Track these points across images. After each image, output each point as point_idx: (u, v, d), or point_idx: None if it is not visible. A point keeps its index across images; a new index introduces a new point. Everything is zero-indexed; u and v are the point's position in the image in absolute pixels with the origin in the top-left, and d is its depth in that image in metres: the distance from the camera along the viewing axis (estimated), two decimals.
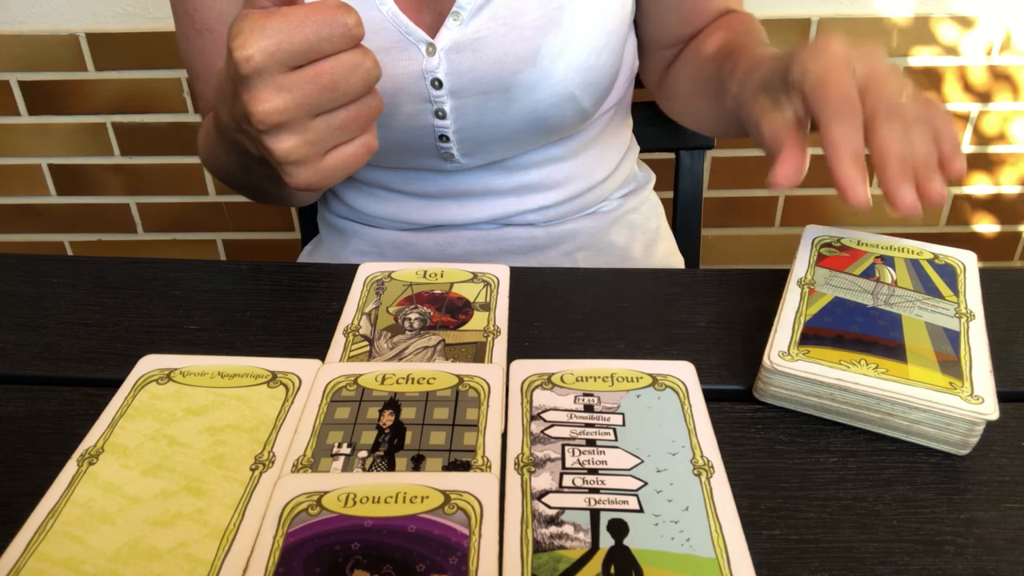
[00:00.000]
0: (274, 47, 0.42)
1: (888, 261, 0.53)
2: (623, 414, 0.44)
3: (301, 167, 0.45)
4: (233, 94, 0.45)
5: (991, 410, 0.42)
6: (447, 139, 0.65)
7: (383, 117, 0.63)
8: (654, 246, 0.81)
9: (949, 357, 0.46)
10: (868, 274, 0.52)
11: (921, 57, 1.40)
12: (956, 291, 0.51)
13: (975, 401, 0.43)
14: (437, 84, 0.62)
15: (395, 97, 0.63)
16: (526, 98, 0.63)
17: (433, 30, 0.62)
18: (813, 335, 0.47)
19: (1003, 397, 0.46)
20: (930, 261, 0.54)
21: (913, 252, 0.54)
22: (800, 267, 0.53)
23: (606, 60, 0.66)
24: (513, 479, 0.40)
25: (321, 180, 0.46)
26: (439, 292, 0.55)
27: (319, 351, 0.50)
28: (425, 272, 0.57)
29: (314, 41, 0.42)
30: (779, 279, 0.53)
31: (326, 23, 0.42)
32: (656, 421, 0.44)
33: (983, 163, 1.51)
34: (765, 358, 0.46)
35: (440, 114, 0.63)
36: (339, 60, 0.43)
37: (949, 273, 0.53)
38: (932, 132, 0.46)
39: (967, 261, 0.54)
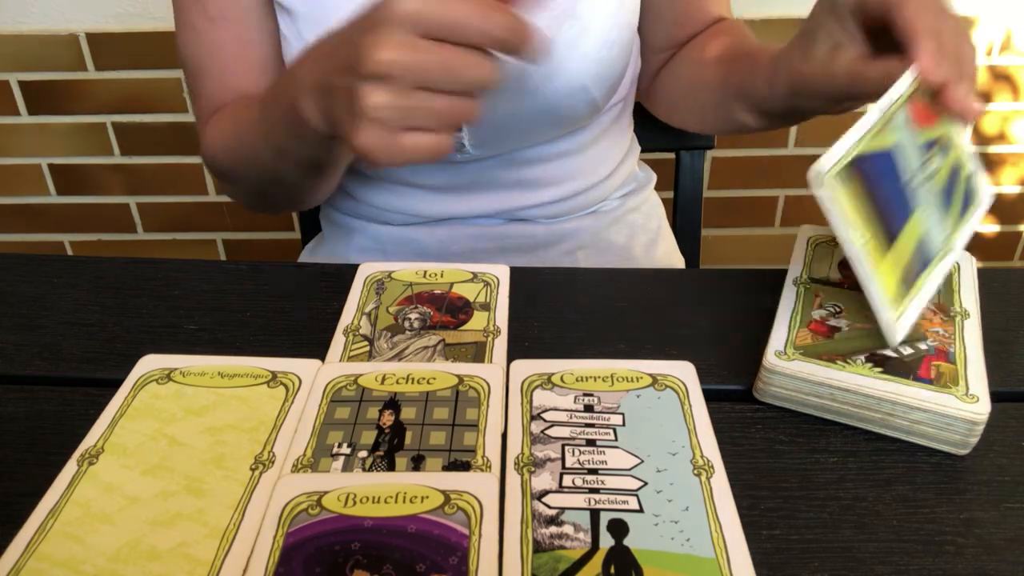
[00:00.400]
0: (423, 7, 0.42)
1: (945, 148, 0.51)
2: (623, 414, 0.44)
3: (376, 129, 0.44)
4: (348, 39, 0.45)
5: (985, 409, 0.42)
6: (459, 128, 0.65)
7: None
8: (655, 246, 0.81)
9: (910, 273, 0.46)
10: (928, 146, 0.50)
11: None
12: (959, 220, 0.51)
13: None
14: None
15: None
16: (540, 89, 0.63)
17: None
18: (861, 172, 0.45)
19: (1003, 397, 0.46)
20: (967, 177, 0.53)
21: (962, 160, 0.53)
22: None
23: (618, 53, 0.66)
24: (513, 479, 0.40)
25: (385, 151, 0.45)
26: (439, 292, 0.55)
27: (319, 351, 0.50)
28: (425, 272, 0.57)
29: (461, 23, 0.42)
30: (779, 279, 0.53)
31: (479, 15, 0.42)
32: (656, 421, 0.44)
33: (983, 163, 1.51)
34: (765, 358, 0.46)
35: None
36: (469, 52, 0.43)
37: (968, 200, 0.52)
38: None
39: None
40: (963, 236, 0.51)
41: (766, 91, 0.59)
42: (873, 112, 0.47)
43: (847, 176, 0.44)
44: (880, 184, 0.46)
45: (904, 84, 0.47)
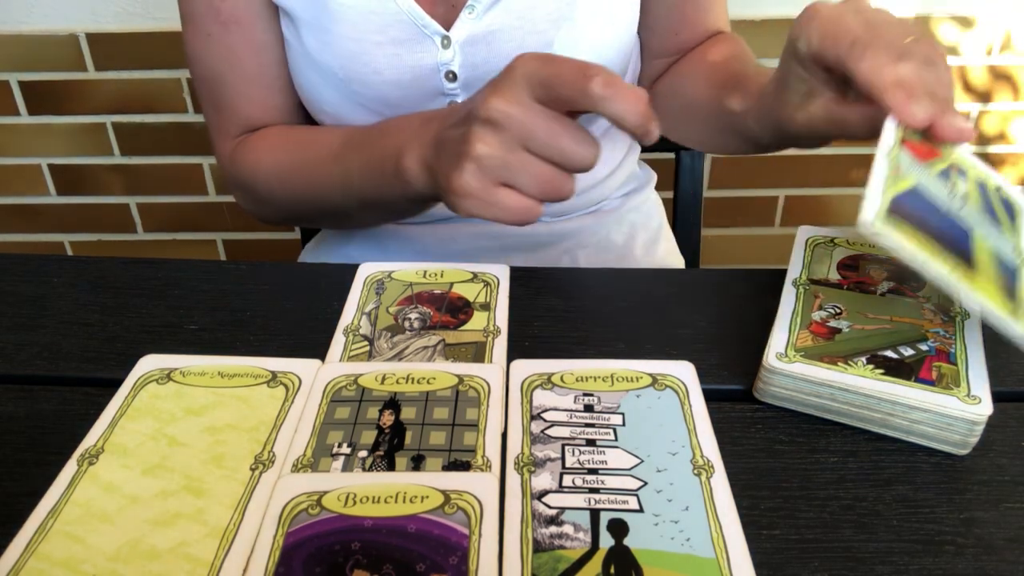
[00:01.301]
0: (541, 68, 0.45)
1: (962, 173, 0.49)
2: (623, 414, 0.44)
3: (478, 175, 0.47)
4: (473, 97, 0.48)
5: (987, 410, 0.42)
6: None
7: (395, 106, 0.63)
8: (655, 245, 0.81)
9: (1008, 289, 0.44)
10: (944, 176, 0.48)
11: None
12: (1015, 230, 0.49)
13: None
14: (451, 77, 0.62)
15: (409, 90, 0.63)
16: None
17: (446, 23, 0.62)
18: (902, 214, 0.43)
19: (1003, 397, 0.46)
20: (996, 190, 0.51)
21: (983, 175, 0.51)
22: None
23: (615, 56, 0.66)
24: (513, 479, 0.40)
25: (479, 196, 0.47)
26: (439, 292, 0.55)
27: (319, 351, 0.50)
28: (425, 272, 0.57)
29: (571, 86, 0.44)
30: (779, 279, 0.53)
31: (585, 74, 0.44)
32: (656, 421, 0.44)
33: (983, 163, 1.51)
34: (765, 358, 0.46)
35: None
36: (577, 126, 0.46)
37: (1009, 209, 0.50)
38: (940, 77, 0.45)
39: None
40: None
41: (756, 129, 0.59)
42: (880, 161, 0.45)
43: (894, 218, 0.43)
44: (927, 217, 0.44)
45: (890, 134, 0.46)
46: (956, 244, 0.44)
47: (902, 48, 0.45)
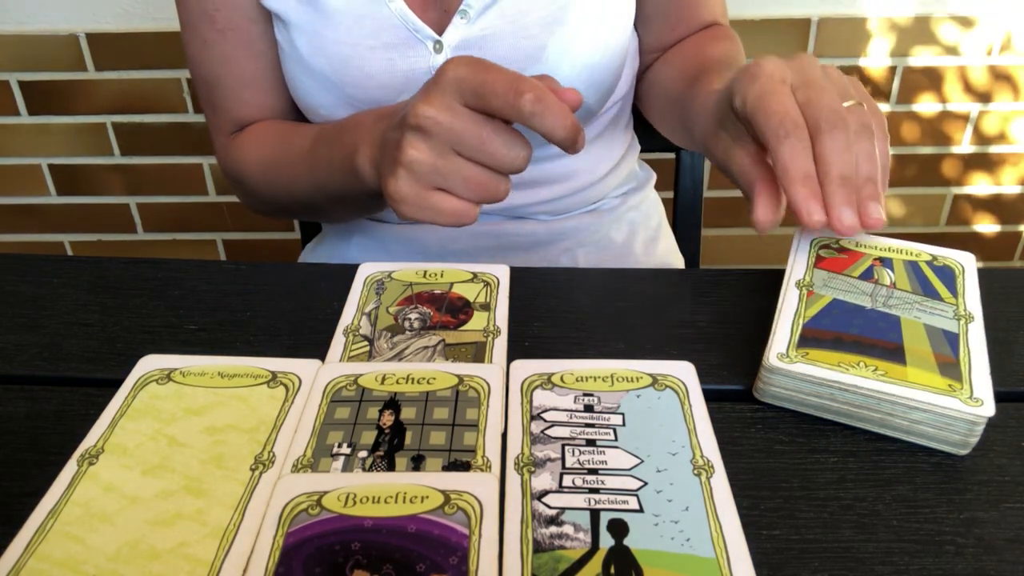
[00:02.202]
0: (473, 76, 0.45)
1: (887, 263, 0.53)
2: (623, 414, 0.44)
3: (411, 181, 0.48)
4: (410, 100, 0.49)
5: (990, 412, 0.42)
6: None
7: None
8: (654, 244, 0.81)
9: (948, 359, 0.46)
10: (867, 276, 0.52)
11: (921, 57, 1.40)
12: (955, 293, 0.51)
13: (974, 403, 0.43)
14: None
15: (401, 94, 0.63)
16: None
17: (439, 28, 0.62)
18: (812, 337, 0.47)
19: (1003, 397, 0.46)
20: (929, 263, 0.54)
21: (911, 254, 0.54)
22: (799, 268, 0.53)
23: (610, 59, 0.66)
24: (513, 479, 0.40)
25: (412, 202, 0.48)
26: (439, 292, 0.55)
27: (319, 351, 0.50)
28: (425, 272, 0.57)
29: (496, 98, 0.45)
30: (779, 279, 0.53)
31: (516, 90, 0.45)
32: (656, 421, 0.44)
33: (983, 163, 1.52)
34: (765, 358, 0.46)
35: None
36: (507, 130, 0.47)
37: (948, 275, 0.53)
38: (873, 149, 0.46)
39: (966, 263, 0.54)
40: (971, 297, 0.51)
41: (693, 131, 0.60)
42: (790, 292, 0.50)
43: (805, 348, 0.46)
44: (848, 325, 0.48)
45: (802, 259, 0.49)
46: (884, 337, 0.47)
47: (834, 119, 0.45)
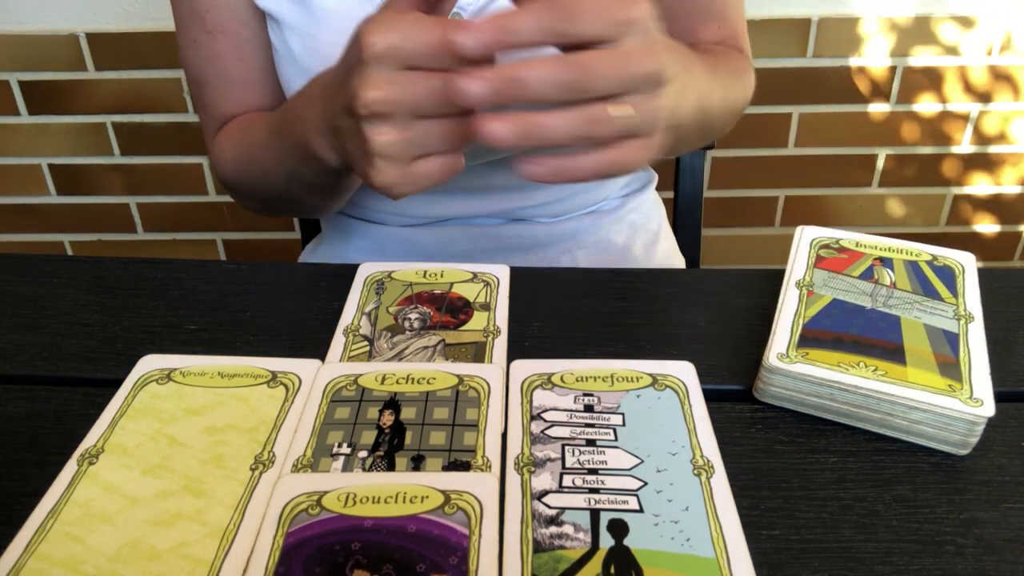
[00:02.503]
0: (399, 41, 0.42)
1: (887, 263, 0.53)
2: (623, 414, 0.44)
3: (391, 164, 0.45)
4: (340, 83, 0.46)
5: (990, 412, 0.42)
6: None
7: None
8: (655, 245, 0.81)
9: (948, 359, 0.46)
10: (867, 276, 0.52)
11: (921, 57, 1.40)
12: (955, 293, 0.51)
13: (974, 404, 0.43)
14: None
15: None
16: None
17: None
18: (812, 337, 0.47)
19: (1003, 397, 0.46)
20: (929, 263, 0.54)
21: (912, 254, 0.54)
22: (799, 268, 0.53)
23: None
24: (513, 479, 0.40)
25: (405, 183, 0.46)
26: (439, 292, 0.55)
27: (319, 351, 0.50)
28: (425, 272, 0.57)
29: (437, 49, 0.42)
30: (779, 279, 0.53)
31: (442, 40, 0.42)
32: (656, 421, 0.44)
33: (983, 163, 1.52)
34: (765, 358, 0.46)
35: None
36: (456, 75, 0.43)
37: (948, 275, 0.53)
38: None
39: (966, 263, 0.54)
40: (971, 297, 0.51)
41: None
42: (790, 292, 0.51)
43: (806, 348, 0.47)
44: (848, 325, 0.48)
45: (803, 258, 0.50)
46: (884, 337, 0.47)
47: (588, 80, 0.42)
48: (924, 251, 0.55)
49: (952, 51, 1.39)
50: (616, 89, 0.42)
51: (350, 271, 0.57)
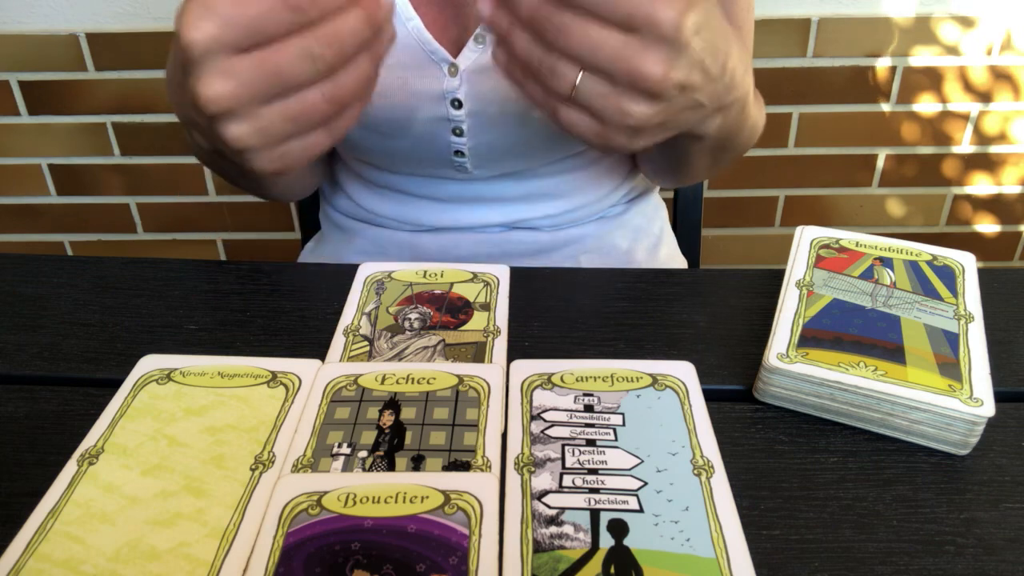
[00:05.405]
0: (218, 29, 0.39)
1: (887, 263, 0.53)
2: (623, 414, 0.44)
3: (256, 154, 0.43)
4: (181, 83, 0.42)
5: (990, 412, 0.42)
6: (462, 154, 0.65)
7: (399, 128, 0.63)
8: (657, 249, 0.81)
9: (948, 359, 0.46)
10: (867, 276, 0.52)
11: (922, 57, 1.40)
12: (955, 293, 0.51)
13: (974, 404, 0.43)
14: (457, 104, 0.61)
15: (414, 113, 0.62)
16: (545, 119, 0.63)
17: (456, 48, 0.61)
18: (812, 337, 0.47)
19: (1003, 397, 0.46)
20: (929, 263, 0.54)
21: (912, 253, 0.54)
22: (799, 268, 0.53)
23: None
24: (513, 479, 0.40)
25: (277, 166, 0.44)
26: (439, 292, 0.55)
27: (319, 351, 0.50)
28: (425, 272, 0.57)
29: (258, 22, 0.39)
30: (779, 279, 0.53)
31: (270, 4, 0.39)
32: (656, 421, 0.44)
33: (983, 163, 1.52)
34: (765, 358, 0.46)
35: (457, 132, 0.63)
36: (285, 45, 0.40)
37: (948, 275, 0.53)
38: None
39: (966, 263, 0.54)
40: (971, 298, 0.51)
41: None
42: (790, 292, 0.50)
43: (806, 348, 0.47)
44: (848, 324, 0.48)
45: (803, 258, 0.50)
46: (884, 337, 0.47)
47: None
48: (924, 251, 0.55)
49: (952, 51, 1.39)
50: (588, 62, 0.41)
51: (350, 271, 0.57)
